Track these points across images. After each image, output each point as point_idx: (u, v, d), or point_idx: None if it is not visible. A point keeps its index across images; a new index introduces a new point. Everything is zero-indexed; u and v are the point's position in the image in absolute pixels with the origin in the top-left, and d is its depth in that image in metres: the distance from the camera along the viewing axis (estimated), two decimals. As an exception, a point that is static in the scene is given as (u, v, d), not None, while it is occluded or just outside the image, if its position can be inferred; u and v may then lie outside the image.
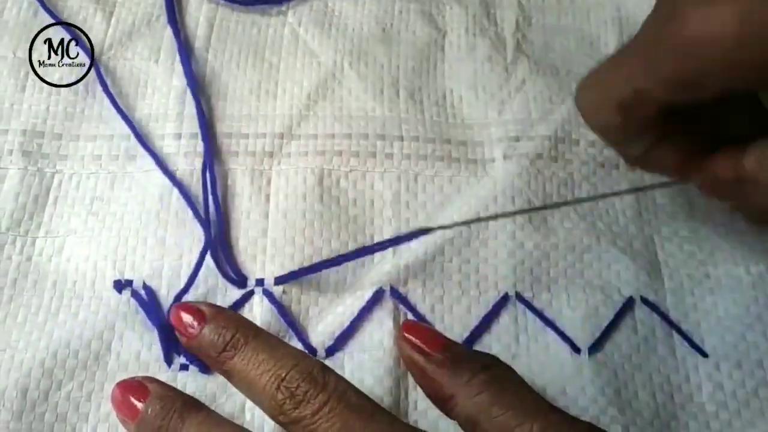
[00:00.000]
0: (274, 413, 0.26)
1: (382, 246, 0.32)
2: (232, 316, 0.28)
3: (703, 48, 0.23)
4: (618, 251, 0.33)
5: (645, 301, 0.31)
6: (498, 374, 0.27)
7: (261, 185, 0.34)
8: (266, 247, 0.32)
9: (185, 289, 0.31)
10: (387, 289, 0.31)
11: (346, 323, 0.30)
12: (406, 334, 0.28)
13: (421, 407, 0.29)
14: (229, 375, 0.28)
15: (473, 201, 0.33)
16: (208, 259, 0.31)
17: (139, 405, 0.26)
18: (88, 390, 0.28)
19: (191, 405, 0.27)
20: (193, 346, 0.28)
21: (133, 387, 0.27)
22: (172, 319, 0.28)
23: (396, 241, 0.31)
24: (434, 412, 0.29)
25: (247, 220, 0.33)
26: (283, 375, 0.26)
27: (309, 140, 0.35)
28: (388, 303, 0.31)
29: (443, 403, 0.27)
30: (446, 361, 0.27)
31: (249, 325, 0.28)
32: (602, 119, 0.28)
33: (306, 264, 0.31)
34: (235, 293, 0.31)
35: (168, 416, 0.26)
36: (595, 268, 0.32)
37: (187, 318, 0.28)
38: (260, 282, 0.31)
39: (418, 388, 0.29)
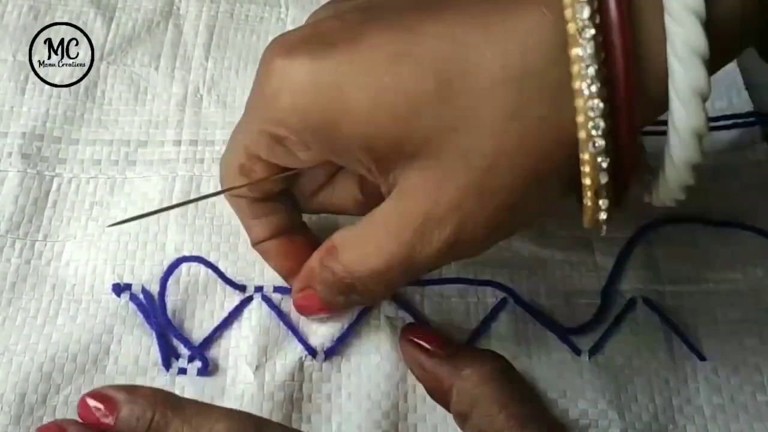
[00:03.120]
0: None
1: None
2: (146, 393, 0.24)
3: (279, 100, 0.22)
4: (615, 258, 0.33)
5: (647, 301, 0.32)
6: (497, 371, 0.27)
7: None
8: None
9: (162, 290, 0.30)
10: (387, 292, 0.31)
11: (346, 326, 0.30)
12: (408, 335, 0.29)
13: (420, 411, 0.29)
14: None
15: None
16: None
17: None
18: (86, 394, 0.28)
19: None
20: None
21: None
22: (80, 413, 0.23)
23: None
24: (434, 416, 0.29)
25: None
26: None
27: None
28: (388, 307, 0.31)
29: (442, 396, 0.27)
30: (446, 355, 0.28)
31: (167, 397, 0.24)
32: (231, 183, 0.26)
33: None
34: (235, 299, 0.31)
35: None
36: (593, 276, 0.32)
37: (96, 408, 0.23)
38: (259, 289, 0.31)
39: (417, 392, 0.29)
